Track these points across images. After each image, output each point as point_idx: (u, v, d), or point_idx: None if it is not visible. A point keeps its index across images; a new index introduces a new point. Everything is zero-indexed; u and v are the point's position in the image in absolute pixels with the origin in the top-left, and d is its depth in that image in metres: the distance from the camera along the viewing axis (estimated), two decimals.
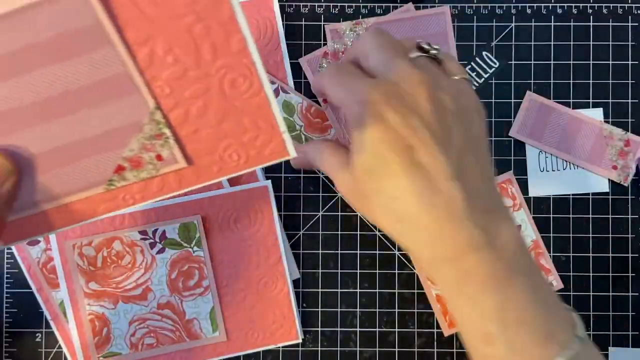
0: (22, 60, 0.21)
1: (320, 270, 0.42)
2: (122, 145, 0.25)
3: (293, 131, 0.39)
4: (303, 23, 0.43)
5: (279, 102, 0.31)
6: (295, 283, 0.42)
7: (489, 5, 0.43)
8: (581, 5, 0.43)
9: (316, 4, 0.43)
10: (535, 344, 0.28)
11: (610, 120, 0.43)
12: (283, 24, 0.42)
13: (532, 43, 0.43)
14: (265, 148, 0.27)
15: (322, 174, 0.42)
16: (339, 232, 0.42)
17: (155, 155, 0.26)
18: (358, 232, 0.42)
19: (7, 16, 0.20)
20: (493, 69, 0.43)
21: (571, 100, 0.43)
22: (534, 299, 0.29)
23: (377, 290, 0.42)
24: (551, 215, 0.42)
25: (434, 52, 0.33)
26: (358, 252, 0.42)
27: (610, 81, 0.43)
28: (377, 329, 0.42)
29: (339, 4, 0.43)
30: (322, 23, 0.43)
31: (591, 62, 0.43)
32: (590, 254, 0.42)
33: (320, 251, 0.42)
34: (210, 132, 0.26)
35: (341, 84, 0.32)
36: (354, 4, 0.43)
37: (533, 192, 0.43)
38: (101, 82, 0.23)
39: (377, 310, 0.42)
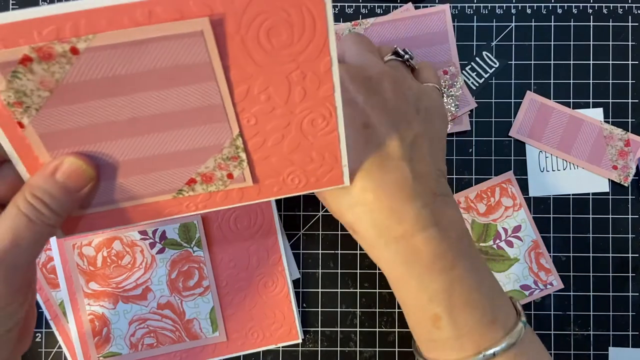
0: (131, 82, 0.23)
1: (320, 270, 0.42)
2: (200, 162, 0.27)
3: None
4: None
5: None
6: (295, 283, 0.42)
7: (489, 5, 0.43)
8: (581, 5, 0.43)
9: None
10: (481, 327, 0.29)
11: (610, 120, 0.43)
12: None
13: (532, 43, 0.43)
14: (325, 176, 0.29)
15: None
16: (339, 232, 0.42)
17: (227, 173, 0.28)
18: None
19: (139, 43, 0.22)
20: (493, 68, 0.43)
21: (571, 100, 0.43)
22: (479, 282, 0.30)
23: (377, 290, 0.42)
24: (551, 215, 0.42)
25: (407, 56, 0.35)
26: (358, 252, 0.42)
27: (611, 81, 0.43)
28: (377, 329, 0.42)
29: (338, 4, 0.43)
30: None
31: (591, 62, 0.43)
32: (591, 254, 0.42)
33: (320, 251, 0.42)
34: (280, 159, 0.28)
35: None
36: (354, 4, 0.43)
37: (533, 192, 0.43)
38: (197, 108, 0.25)
39: (377, 310, 0.42)
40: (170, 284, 0.41)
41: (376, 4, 0.43)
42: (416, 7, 0.43)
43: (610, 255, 0.42)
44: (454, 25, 0.43)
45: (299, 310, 0.42)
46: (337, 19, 0.43)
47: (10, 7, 0.43)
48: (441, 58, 0.43)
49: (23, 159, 0.25)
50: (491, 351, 0.28)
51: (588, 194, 0.43)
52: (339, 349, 0.42)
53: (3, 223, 0.24)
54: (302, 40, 0.24)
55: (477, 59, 0.43)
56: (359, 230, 0.30)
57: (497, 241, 0.42)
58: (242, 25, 0.23)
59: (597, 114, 0.43)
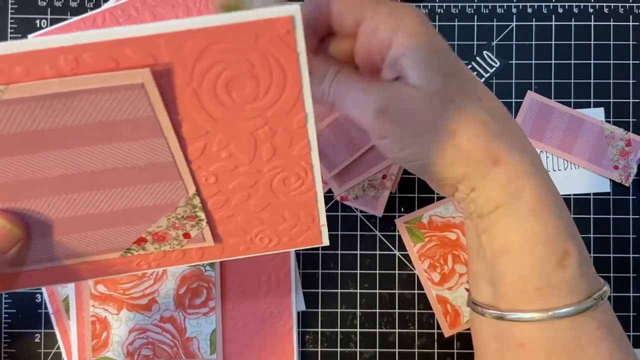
0: (59, 136, 0.20)
1: (320, 271, 0.42)
2: (150, 221, 0.24)
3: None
4: None
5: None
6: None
7: (490, 4, 0.43)
8: (582, 4, 0.43)
9: None
10: (591, 268, 0.28)
11: (611, 120, 0.43)
12: None
13: (533, 42, 0.43)
14: (300, 236, 0.27)
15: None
16: (339, 232, 0.42)
17: (183, 233, 0.25)
18: (358, 232, 0.42)
19: (64, 95, 0.19)
20: (494, 68, 0.43)
21: (572, 100, 0.43)
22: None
23: (377, 291, 0.42)
24: None
25: None
26: (358, 252, 0.42)
27: (612, 81, 0.43)
28: (377, 330, 0.42)
29: None
30: None
31: (592, 61, 0.43)
32: (592, 254, 0.42)
33: (320, 251, 0.42)
34: (246, 218, 0.25)
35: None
36: None
37: None
38: (143, 166, 0.22)
39: (377, 310, 0.42)
40: (176, 299, 0.41)
41: None
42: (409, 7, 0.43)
43: (612, 255, 0.42)
44: (454, 25, 0.43)
45: (299, 350, 0.42)
46: None
47: (9, 7, 0.43)
48: None
49: None
50: (599, 293, 0.27)
51: (589, 194, 0.42)
52: (339, 349, 0.42)
53: None
54: (269, 94, 0.21)
55: (477, 58, 0.43)
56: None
57: None
58: (195, 77, 0.20)
59: (598, 113, 0.43)
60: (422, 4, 0.43)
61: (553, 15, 0.43)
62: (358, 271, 0.42)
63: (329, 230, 0.41)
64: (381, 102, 0.25)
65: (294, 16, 0.18)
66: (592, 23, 0.43)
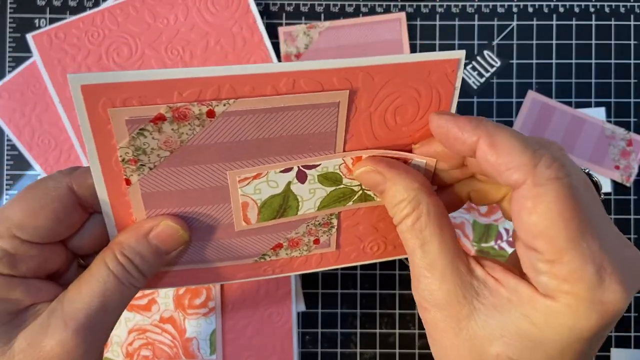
0: (255, 147, 0.23)
1: (320, 271, 0.42)
2: (292, 228, 0.27)
3: (352, 197, 0.27)
4: (301, 21, 0.43)
5: (311, 183, 0.25)
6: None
7: (491, 3, 0.43)
8: (583, 4, 0.43)
9: (316, 3, 0.43)
10: None
11: (612, 119, 0.42)
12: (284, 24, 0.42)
13: (534, 42, 0.43)
14: (402, 244, 0.27)
15: None
16: None
17: (314, 239, 0.28)
18: None
19: (275, 110, 0.22)
20: (494, 67, 0.43)
21: (573, 100, 0.43)
22: None
23: (377, 292, 0.42)
24: None
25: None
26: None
27: (613, 80, 0.43)
28: (378, 330, 0.42)
29: (339, 3, 0.42)
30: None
31: (593, 61, 0.43)
32: None
33: None
34: (367, 227, 0.28)
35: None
36: (354, 3, 0.43)
37: None
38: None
39: (378, 311, 0.42)
40: (176, 300, 0.41)
41: (376, 3, 0.43)
42: (417, 7, 0.42)
43: None
44: (455, 25, 0.43)
45: (299, 351, 0.42)
46: (337, 17, 0.43)
47: (8, 7, 0.42)
48: None
49: (116, 215, 0.24)
50: None
51: None
52: (339, 350, 0.42)
53: (92, 284, 0.22)
54: (424, 118, 0.24)
55: (478, 58, 0.43)
56: None
57: (499, 242, 0.42)
58: (375, 102, 0.23)
59: (599, 113, 0.42)
60: (422, 3, 0.43)
61: (554, 15, 0.43)
62: (358, 271, 0.42)
63: None
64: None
65: (460, 59, 0.23)
66: (593, 22, 0.43)
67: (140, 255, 0.23)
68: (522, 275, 0.21)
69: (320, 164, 0.24)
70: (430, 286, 0.22)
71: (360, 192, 0.26)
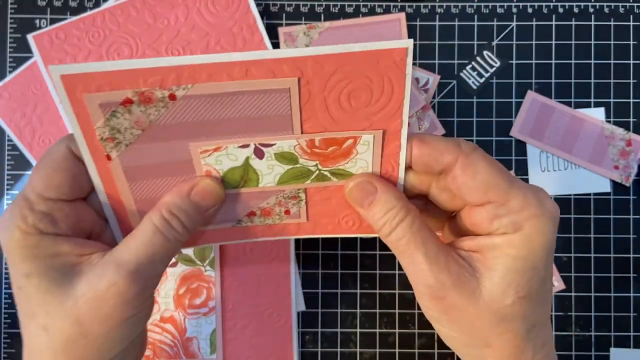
0: (214, 127, 0.26)
1: (320, 271, 0.42)
2: (263, 199, 0.30)
3: (309, 176, 0.29)
4: (303, 22, 0.43)
5: (269, 160, 0.28)
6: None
7: (490, 4, 0.43)
8: (582, 4, 0.43)
9: (316, 3, 0.43)
10: None
11: (611, 119, 0.43)
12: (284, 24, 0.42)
13: (534, 42, 0.43)
14: None
15: None
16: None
17: (285, 210, 0.30)
18: None
19: (232, 94, 0.25)
20: (494, 68, 0.43)
21: (572, 100, 0.43)
22: None
23: (377, 291, 0.42)
24: None
25: None
26: (358, 252, 0.42)
27: (612, 81, 0.43)
28: (377, 330, 0.42)
29: (339, 3, 0.43)
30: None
31: (592, 61, 0.43)
32: (592, 255, 0.42)
33: (320, 251, 0.42)
34: (339, 202, 0.30)
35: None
36: (354, 3, 0.43)
37: None
38: None
39: (377, 311, 0.42)
40: (176, 299, 0.41)
41: (376, 3, 0.43)
42: (417, 7, 0.43)
43: (612, 255, 0.42)
44: (455, 25, 0.43)
45: (299, 350, 0.42)
46: (336, 17, 0.43)
47: (9, 7, 0.42)
48: None
49: (106, 187, 0.27)
50: None
51: (589, 194, 0.42)
52: (339, 349, 0.42)
53: (140, 238, 0.26)
54: (379, 103, 0.26)
55: (477, 58, 0.43)
56: None
57: None
58: (327, 87, 0.25)
59: (598, 113, 0.43)
60: (422, 4, 0.43)
61: (553, 15, 0.43)
62: (358, 271, 0.42)
63: None
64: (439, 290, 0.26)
65: (408, 48, 0.24)
66: (593, 23, 0.43)
67: (185, 212, 0.27)
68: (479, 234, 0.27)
69: (275, 144, 0.27)
70: (440, 275, 0.26)
71: (317, 172, 0.29)
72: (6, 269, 0.41)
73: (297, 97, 0.25)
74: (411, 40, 0.25)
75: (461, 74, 0.43)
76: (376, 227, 0.28)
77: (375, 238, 0.42)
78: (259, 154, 0.27)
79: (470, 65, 0.43)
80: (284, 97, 0.25)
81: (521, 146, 0.43)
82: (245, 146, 0.27)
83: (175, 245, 0.27)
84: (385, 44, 0.24)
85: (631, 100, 0.43)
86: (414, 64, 0.42)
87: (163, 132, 0.26)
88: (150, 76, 0.24)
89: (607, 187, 0.42)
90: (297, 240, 0.42)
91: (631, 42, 0.43)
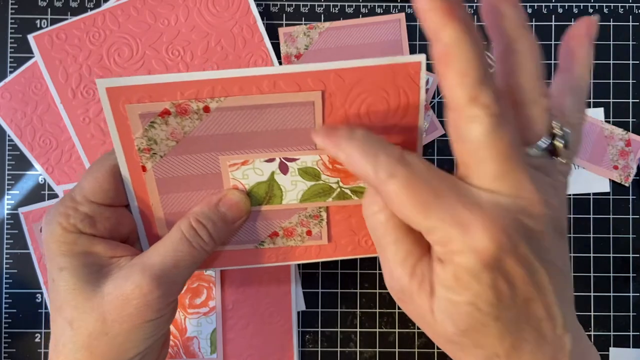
0: (244, 140, 0.27)
1: (320, 271, 0.42)
2: (286, 217, 0.30)
3: (331, 193, 0.29)
4: (303, 22, 0.43)
5: (293, 175, 0.28)
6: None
7: None
8: (582, 4, 0.43)
9: (316, 4, 0.43)
10: None
11: (611, 120, 0.43)
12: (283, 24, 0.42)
13: None
14: None
15: None
16: None
17: (307, 230, 0.30)
18: None
19: (261, 107, 0.26)
20: (494, 68, 0.43)
21: None
22: None
23: (377, 291, 0.42)
24: None
25: (562, 142, 0.24)
26: None
27: (611, 81, 0.43)
28: (377, 330, 0.42)
29: (339, 4, 0.43)
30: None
31: (592, 61, 0.43)
32: (591, 254, 0.42)
33: None
34: (358, 220, 0.30)
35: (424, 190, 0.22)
36: (354, 4, 0.43)
37: None
38: None
39: (377, 310, 0.42)
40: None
41: (376, 4, 0.43)
42: (409, 7, 0.43)
43: (611, 255, 0.42)
44: None
45: (299, 350, 0.42)
46: (336, 17, 0.43)
47: (10, 7, 0.43)
48: None
49: (138, 198, 0.28)
50: None
51: (589, 194, 0.43)
52: (339, 349, 0.42)
53: (167, 245, 0.27)
54: (396, 116, 0.27)
55: None
56: None
57: None
58: (348, 101, 0.26)
59: (597, 113, 0.43)
60: None
61: (553, 16, 0.43)
62: (358, 271, 0.42)
63: None
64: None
65: (421, 62, 0.25)
66: None
67: (212, 221, 0.27)
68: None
69: (299, 158, 0.28)
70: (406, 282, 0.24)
71: (339, 189, 0.29)
72: (7, 269, 0.42)
73: (320, 110, 0.26)
74: (424, 55, 0.25)
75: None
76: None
77: None
78: (284, 168, 0.28)
79: None
80: (309, 110, 0.26)
81: None
82: (271, 160, 0.28)
83: (201, 254, 0.27)
84: (401, 58, 0.25)
85: (630, 100, 0.43)
86: None
87: (195, 145, 0.27)
88: (187, 89, 0.25)
89: (606, 187, 0.42)
90: None
91: (630, 43, 0.43)
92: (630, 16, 0.43)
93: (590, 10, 0.43)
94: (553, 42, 0.43)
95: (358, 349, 0.42)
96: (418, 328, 0.42)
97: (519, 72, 0.23)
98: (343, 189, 0.29)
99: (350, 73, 0.25)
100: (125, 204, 0.29)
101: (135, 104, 0.25)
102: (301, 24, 0.43)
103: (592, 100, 0.43)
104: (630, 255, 0.42)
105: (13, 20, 0.42)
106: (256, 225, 0.30)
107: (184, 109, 0.26)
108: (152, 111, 0.26)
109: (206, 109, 0.26)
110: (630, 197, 0.42)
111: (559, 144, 0.24)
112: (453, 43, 0.20)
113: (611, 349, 0.42)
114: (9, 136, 0.42)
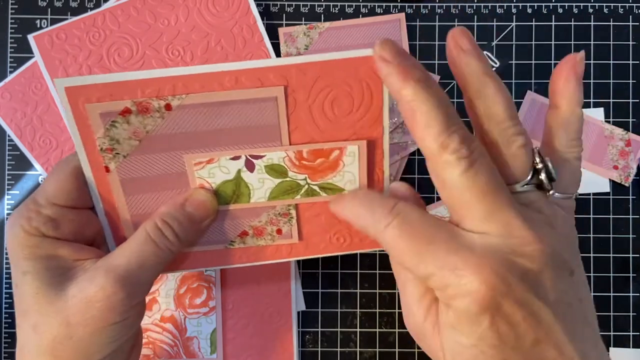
0: (207, 138, 0.27)
1: (320, 271, 0.42)
2: (255, 216, 0.30)
3: (299, 190, 0.29)
4: (303, 23, 0.43)
5: (260, 173, 0.28)
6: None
7: (490, 4, 0.43)
8: (582, 4, 0.43)
9: (316, 4, 0.43)
10: None
11: (611, 120, 0.43)
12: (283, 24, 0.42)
13: (533, 43, 0.43)
14: (368, 238, 0.30)
15: None
16: None
17: (277, 229, 0.30)
18: None
19: (223, 104, 0.26)
20: (494, 68, 0.43)
21: None
22: None
23: (377, 291, 0.42)
24: None
25: (547, 179, 0.24)
26: (358, 252, 0.42)
27: (611, 81, 0.43)
28: (377, 330, 0.42)
29: (339, 4, 0.43)
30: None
31: (592, 61, 0.43)
32: (591, 254, 0.42)
33: None
34: (329, 218, 0.30)
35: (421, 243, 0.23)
36: (354, 4, 0.43)
37: None
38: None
39: (377, 310, 0.42)
40: (177, 299, 0.41)
41: (376, 4, 0.43)
42: (417, 8, 0.43)
43: (611, 255, 0.42)
44: (454, 25, 0.43)
45: (299, 350, 0.42)
46: (336, 17, 0.43)
47: (10, 7, 0.43)
48: None
49: (103, 198, 0.28)
50: None
51: (589, 194, 0.43)
52: (339, 349, 0.42)
53: (132, 246, 0.26)
54: (360, 110, 0.27)
55: None
56: None
57: None
58: (311, 95, 0.26)
59: (597, 113, 0.43)
60: (422, 4, 0.43)
61: (553, 16, 0.43)
62: (358, 271, 0.42)
63: None
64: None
65: None
66: (592, 23, 0.43)
67: (178, 221, 0.27)
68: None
69: (265, 155, 0.27)
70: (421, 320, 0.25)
71: (307, 186, 0.29)
72: (7, 269, 0.41)
73: (284, 106, 0.26)
74: None
75: None
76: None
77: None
78: (250, 166, 0.28)
79: None
80: (272, 106, 0.26)
81: None
82: (237, 158, 0.27)
83: (167, 254, 0.27)
84: (362, 51, 0.25)
85: (630, 100, 0.43)
86: None
87: (159, 143, 0.26)
88: (148, 87, 0.25)
89: (606, 187, 0.42)
90: None
91: (630, 43, 0.43)
92: (630, 16, 0.43)
93: (590, 10, 0.43)
94: (553, 42, 0.43)
95: (358, 349, 0.42)
96: None
97: (487, 117, 0.24)
98: (311, 186, 0.29)
99: (312, 67, 0.25)
100: (91, 206, 0.28)
101: (95, 104, 0.25)
102: (301, 24, 0.43)
103: (592, 100, 0.43)
104: (630, 255, 0.42)
105: (13, 20, 0.42)
106: (225, 225, 0.29)
107: (145, 107, 0.25)
108: (112, 110, 0.25)
109: (168, 107, 0.25)
110: (630, 197, 0.42)
111: (542, 177, 0.24)
112: (413, 100, 0.22)
113: (611, 349, 0.42)
114: (9, 136, 0.42)
